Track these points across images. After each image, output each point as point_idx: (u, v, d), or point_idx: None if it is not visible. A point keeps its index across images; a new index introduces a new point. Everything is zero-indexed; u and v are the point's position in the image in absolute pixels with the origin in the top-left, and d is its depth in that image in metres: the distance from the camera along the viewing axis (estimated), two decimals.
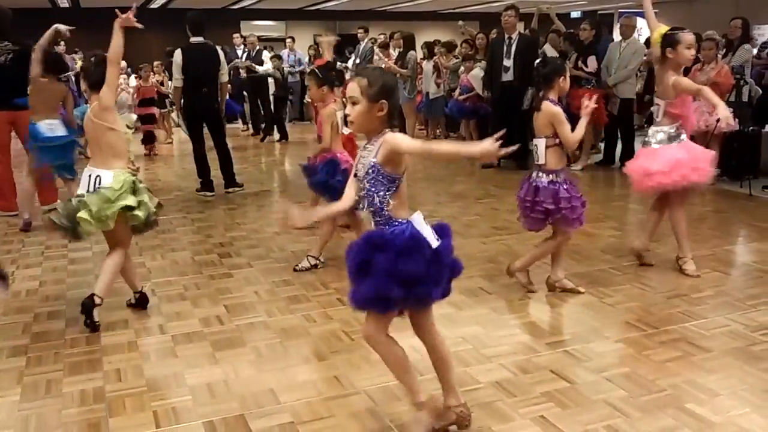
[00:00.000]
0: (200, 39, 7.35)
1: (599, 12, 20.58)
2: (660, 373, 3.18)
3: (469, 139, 10.05)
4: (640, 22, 9.48)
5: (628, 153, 8.76)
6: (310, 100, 7.55)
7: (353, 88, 2.44)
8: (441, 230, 2.54)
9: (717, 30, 9.32)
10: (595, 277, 4.59)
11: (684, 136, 4.55)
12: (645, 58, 8.38)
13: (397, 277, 2.37)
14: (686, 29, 4.58)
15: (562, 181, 4.08)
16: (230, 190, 7.62)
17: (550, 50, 8.84)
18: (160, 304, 4.21)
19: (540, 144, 4.08)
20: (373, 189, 2.46)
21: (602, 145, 9.25)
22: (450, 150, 2.48)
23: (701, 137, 7.52)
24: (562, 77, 4.05)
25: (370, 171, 2.45)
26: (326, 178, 4.74)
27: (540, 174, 4.12)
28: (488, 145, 2.28)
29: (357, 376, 3.20)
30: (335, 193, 3.99)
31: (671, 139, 4.53)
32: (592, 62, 7.94)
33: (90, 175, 3.76)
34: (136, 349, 3.55)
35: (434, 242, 2.45)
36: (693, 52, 4.49)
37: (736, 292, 4.26)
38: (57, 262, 5.11)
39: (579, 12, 20.06)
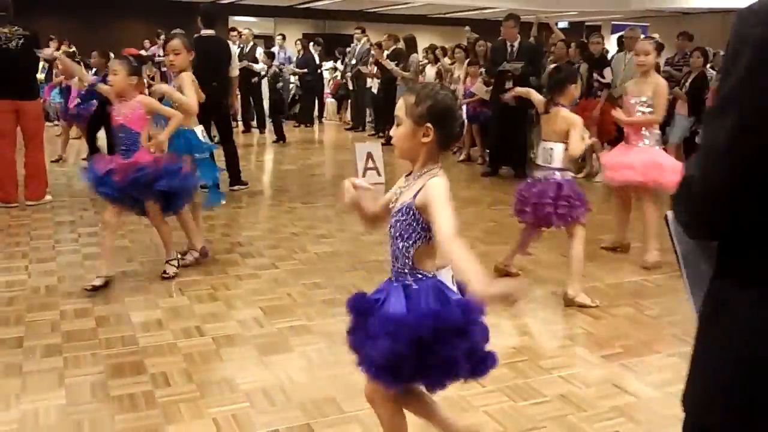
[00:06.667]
0: (211, 32, 7.18)
1: (586, 23, 20.77)
2: None
3: (469, 145, 10.01)
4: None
5: None
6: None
7: (399, 106, 2.10)
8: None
9: (711, 45, 9.46)
10: (631, 289, 4.55)
11: None
12: None
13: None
14: None
15: (572, 180, 4.25)
16: (235, 188, 7.46)
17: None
18: (191, 304, 4.07)
19: (557, 148, 4.16)
20: (399, 232, 2.09)
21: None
22: (467, 271, 1.84)
23: None
24: (574, 84, 4.24)
25: (405, 210, 2.07)
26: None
27: (553, 173, 4.20)
28: (504, 288, 1.79)
29: None
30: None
31: None
32: (608, 73, 7.96)
33: None
34: (177, 352, 3.41)
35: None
36: None
37: None
38: (70, 257, 4.92)
39: (566, 22, 20.20)
